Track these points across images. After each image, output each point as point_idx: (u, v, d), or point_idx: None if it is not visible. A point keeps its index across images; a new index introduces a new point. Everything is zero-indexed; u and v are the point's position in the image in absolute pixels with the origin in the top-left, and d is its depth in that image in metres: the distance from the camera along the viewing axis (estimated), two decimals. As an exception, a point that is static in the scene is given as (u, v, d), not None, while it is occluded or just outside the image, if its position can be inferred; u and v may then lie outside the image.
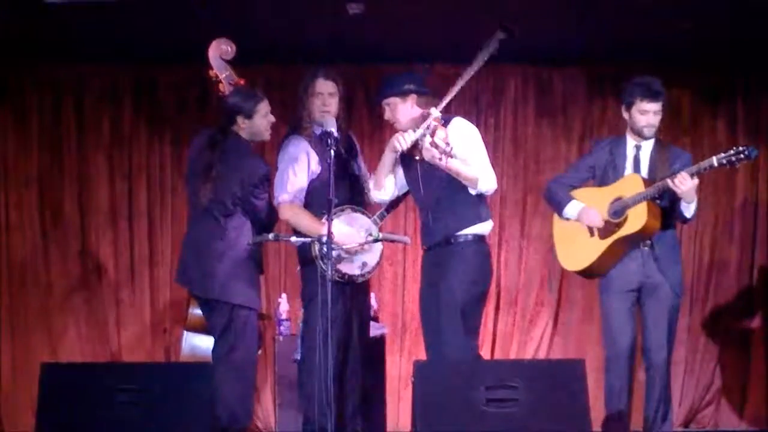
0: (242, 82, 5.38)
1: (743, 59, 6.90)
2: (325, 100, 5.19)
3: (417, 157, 5.02)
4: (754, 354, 7.05)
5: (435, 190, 5.06)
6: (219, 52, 5.37)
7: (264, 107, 5.22)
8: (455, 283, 5.00)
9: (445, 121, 5.00)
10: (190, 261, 5.23)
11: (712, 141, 7.08)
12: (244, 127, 5.19)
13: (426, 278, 5.18)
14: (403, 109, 5.08)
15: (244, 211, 5.14)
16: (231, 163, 5.13)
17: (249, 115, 5.18)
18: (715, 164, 5.07)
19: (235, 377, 5.08)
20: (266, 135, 5.28)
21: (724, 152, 5.07)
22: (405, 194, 5.34)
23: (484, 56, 5.01)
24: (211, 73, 5.38)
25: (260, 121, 5.21)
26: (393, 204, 5.36)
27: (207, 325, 5.29)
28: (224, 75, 5.36)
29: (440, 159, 4.81)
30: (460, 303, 4.99)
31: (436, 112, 4.94)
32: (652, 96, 5.27)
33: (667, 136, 6.43)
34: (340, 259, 5.01)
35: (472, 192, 5.04)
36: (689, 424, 7.04)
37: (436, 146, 4.81)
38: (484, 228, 5.13)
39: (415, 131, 4.97)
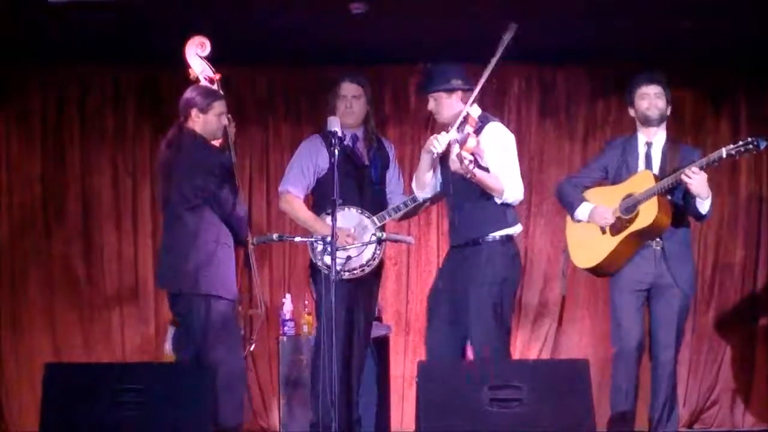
0: (218, 77, 5.39)
1: (746, 58, 6.89)
2: (348, 102, 5.28)
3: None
4: (758, 354, 7.04)
5: (463, 193, 5.05)
6: (195, 49, 5.38)
7: (219, 107, 5.23)
8: (486, 284, 4.99)
9: (482, 124, 4.99)
10: (163, 262, 5.25)
11: (715, 140, 7.05)
12: (197, 120, 5.20)
13: (447, 276, 5.16)
14: (447, 104, 5.10)
15: (209, 203, 5.13)
16: (187, 158, 5.14)
17: (203, 110, 5.20)
18: (724, 155, 5.06)
19: (222, 373, 5.02)
20: (218, 134, 5.27)
21: (734, 143, 5.08)
22: (419, 205, 5.35)
23: (500, 52, 5.01)
24: (190, 72, 5.38)
25: (212, 119, 5.21)
26: (398, 208, 5.35)
27: (180, 325, 5.25)
28: (201, 71, 5.37)
29: (464, 172, 4.81)
30: (491, 305, 4.99)
31: (476, 110, 4.94)
32: (650, 80, 5.30)
33: (669, 135, 6.41)
34: (326, 251, 4.99)
35: (498, 201, 5.04)
36: (693, 424, 7.03)
37: (461, 161, 4.81)
38: (512, 230, 5.12)
39: (449, 131, 4.97)
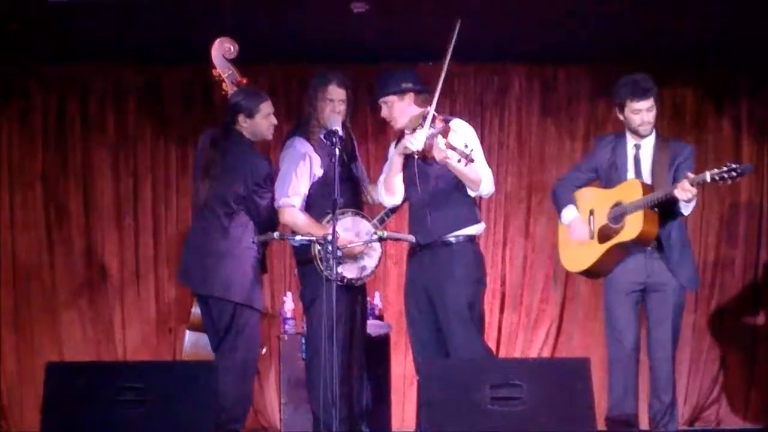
0: (245, 81, 5.38)
1: (748, 57, 6.89)
2: (335, 106, 5.18)
3: (416, 156, 4.98)
4: (759, 352, 7.04)
5: (431, 188, 5.05)
6: (222, 51, 5.38)
7: (266, 107, 5.21)
8: (463, 285, 5.00)
9: (445, 122, 4.98)
10: (191, 259, 5.23)
11: (717, 139, 7.07)
12: (245, 126, 5.19)
13: (417, 278, 5.16)
14: (400, 108, 5.08)
15: (247, 210, 5.14)
16: (232, 162, 5.13)
17: (250, 115, 5.18)
18: (708, 179, 4.95)
19: (234, 376, 5.08)
20: (268, 135, 5.27)
21: (718, 168, 4.96)
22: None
23: (451, 49, 4.98)
24: (214, 72, 5.39)
25: (261, 121, 5.20)
26: (394, 208, 5.35)
27: (206, 324, 5.28)
28: (227, 74, 5.37)
29: (459, 161, 4.77)
30: (467, 305, 5.00)
31: (431, 112, 4.92)
32: (641, 94, 5.16)
33: (670, 134, 6.40)
34: (339, 262, 4.92)
35: (472, 194, 5.04)
36: (694, 422, 7.03)
37: (454, 148, 4.78)
38: (478, 229, 5.14)
39: (421, 130, 4.93)
